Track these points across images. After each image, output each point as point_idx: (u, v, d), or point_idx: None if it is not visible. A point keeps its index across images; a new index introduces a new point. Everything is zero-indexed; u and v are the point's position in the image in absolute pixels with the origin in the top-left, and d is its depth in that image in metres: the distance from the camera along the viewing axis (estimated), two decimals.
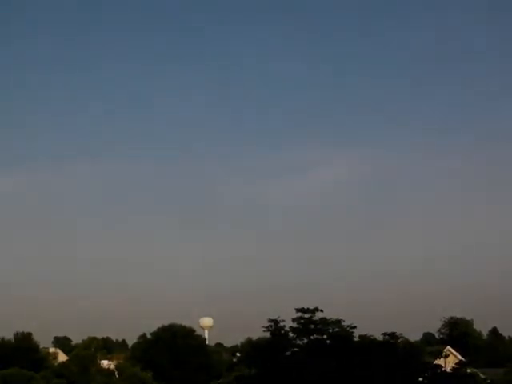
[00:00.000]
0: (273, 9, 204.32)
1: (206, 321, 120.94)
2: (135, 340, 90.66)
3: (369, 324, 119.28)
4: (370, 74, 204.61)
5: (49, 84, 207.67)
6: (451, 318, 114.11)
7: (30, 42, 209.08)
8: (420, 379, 65.91)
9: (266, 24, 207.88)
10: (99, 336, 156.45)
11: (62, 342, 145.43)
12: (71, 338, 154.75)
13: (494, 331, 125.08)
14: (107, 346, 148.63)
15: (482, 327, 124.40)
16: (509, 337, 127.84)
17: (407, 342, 75.90)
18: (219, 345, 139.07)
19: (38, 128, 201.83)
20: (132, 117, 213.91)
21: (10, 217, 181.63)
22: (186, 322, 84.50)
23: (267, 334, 70.63)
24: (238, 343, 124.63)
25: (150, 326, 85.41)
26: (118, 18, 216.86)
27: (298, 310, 69.21)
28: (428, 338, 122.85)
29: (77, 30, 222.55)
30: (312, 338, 68.57)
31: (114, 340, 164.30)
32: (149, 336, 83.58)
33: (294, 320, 69.19)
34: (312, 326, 68.57)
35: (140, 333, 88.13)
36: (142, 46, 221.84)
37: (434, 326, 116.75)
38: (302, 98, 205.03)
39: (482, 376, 72.47)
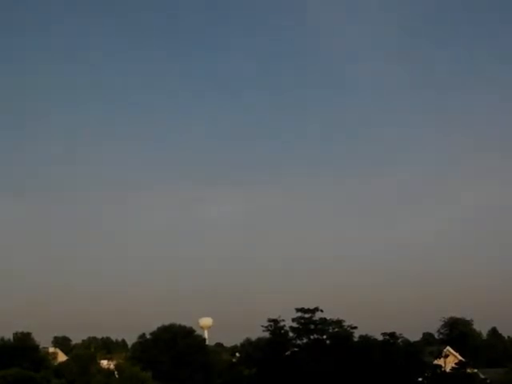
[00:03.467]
0: None
1: (206, 321, 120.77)
2: (135, 340, 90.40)
3: (369, 324, 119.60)
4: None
5: None
6: (451, 318, 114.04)
7: None
8: (420, 379, 65.97)
9: None
10: (99, 336, 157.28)
11: (62, 342, 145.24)
12: (71, 338, 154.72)
13: (494, 331, 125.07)
14: (107, 346, 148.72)
15: (482, 327, 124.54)
16: (508, 337, 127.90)
17: (407, 342, 76.03)
18: (219, 345, 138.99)
19: None
20: None
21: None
22: (185, 322, 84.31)
23: (267, 334, 70.84)
24: (238, 343, 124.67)
25: (150, 326, 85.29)
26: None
27: (298, 310, 69.33)
28: (428, 338, 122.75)
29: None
30: (312, 338, 68.67)
31: (114, 340, 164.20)
32: (149, 336, 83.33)
33: (294, 320, 69.30)
34: (312, 326, 68.69)
35: (140, 333, 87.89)
36: None
37: (434, 326, 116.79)
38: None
39: (481, 376, 72.48)
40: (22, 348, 77.59)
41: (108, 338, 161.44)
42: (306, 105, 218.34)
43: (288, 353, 68.66)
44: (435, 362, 70.58)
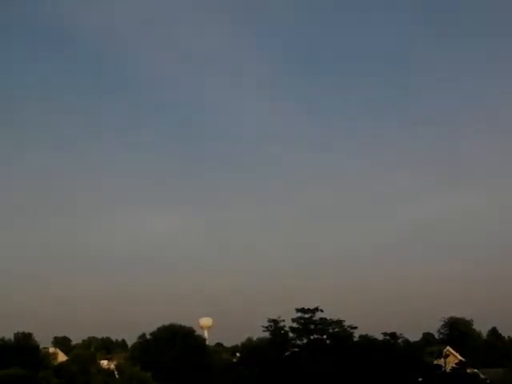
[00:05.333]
0: None
1: (206, 321, 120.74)
2: (135, 340, 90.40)
3: (369, 324, 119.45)
4: None
5: None
6: (451, 317, 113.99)
7: None
8: (420, 379, 66.02)
9: None
10: (99, 336, 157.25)
11: (62, 342, 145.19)
12: (71, 338, 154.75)
13: (494, 331, 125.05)
14: (107, 346, 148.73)
15: (482, 327, 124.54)
16: (508, 337, 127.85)
17: (407, 342, 76.10)
18: (219, 345, 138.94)
19: None
20: None
21: None
22: (185, 322, 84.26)
23: (267, 334, 70.93)
24: (238, 343, 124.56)
25: (150, 326, 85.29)
26: None
27: (298, 310, 69.46)
28: (428, 338, 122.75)
29: None
30: (312, 338, 68.78)
31: (114, 340, 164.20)
32: (149, 336, 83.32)
33: (293, 320, 69.42)
34: (312, 326, 68.79)
35: (140, 333, 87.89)
36: None
37: (434, 326, 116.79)
38: None
39: (481, 376, 72.53)
40: (23, 348, 77.53)
41: (108, 338, 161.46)
42: None
43: (288, 353, 68.73)
44: (435, 362, 70.64)
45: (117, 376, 75.20)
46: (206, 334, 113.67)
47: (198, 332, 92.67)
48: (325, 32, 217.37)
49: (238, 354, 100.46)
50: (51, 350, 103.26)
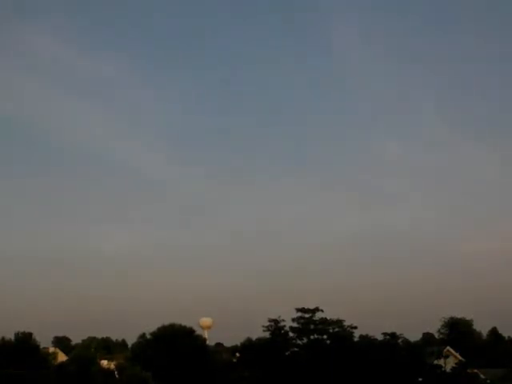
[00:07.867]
0: None
1: (206, 321, 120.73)
2: (135, 340, 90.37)
3: (369, 324, 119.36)
4: None
5: None
6: (451, 318, 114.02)
7: None
8: (420, 379, 66.13)
9: None
10: (99, 336, 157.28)
11: (62, 342, 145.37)
12: (71, 338, 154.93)
13: (494, 331, 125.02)
14: (107, 346, 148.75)
15: (482, 327, 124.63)
16: (509, 337, 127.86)
17: (407, 342, 76.16)
18: (219, 345, 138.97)
19: None
20: None
21: None
22: (185, 322, 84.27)
23: (267, 334, 70.98)
24: (238, 343, 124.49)
25: (150, 326, 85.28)
26: None
27: (298, 310, 69.57)
28: (428, 338, 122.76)
29: None
30: (312, 337, 68.87)
31: (114, 340, 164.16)
32: (148, 336, 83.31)
33: (294, 320, 69.53)
34: (312, 326, 68.89)
35: (140, 333, 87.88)
36: None
37: (434, 326, 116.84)
38: None
39: (482, 376, 72.63)
40: (23, 348, 77.48)
41: (108, 338, 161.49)
42: None
43: (288, 353, 68.79)
44: (435, 362, 70.72)
45: (117, 376, 75.16)
46: (205, 334, 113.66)
47: (198, 332, 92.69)
48: None
49: (237, 354, 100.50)
50: (51, 349, 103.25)
